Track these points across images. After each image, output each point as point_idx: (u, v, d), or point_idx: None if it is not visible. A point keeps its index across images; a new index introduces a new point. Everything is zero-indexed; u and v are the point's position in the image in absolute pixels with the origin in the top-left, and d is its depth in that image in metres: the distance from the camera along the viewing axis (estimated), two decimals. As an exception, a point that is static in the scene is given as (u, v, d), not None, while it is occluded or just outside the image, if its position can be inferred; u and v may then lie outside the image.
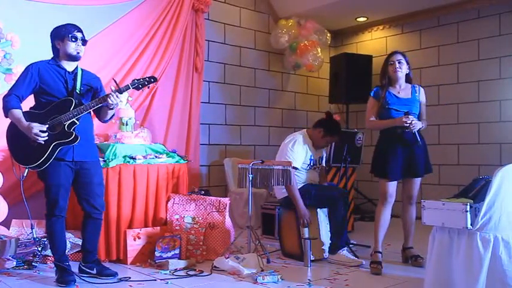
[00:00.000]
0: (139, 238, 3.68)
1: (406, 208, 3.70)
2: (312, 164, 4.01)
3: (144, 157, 3.85)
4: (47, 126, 2.96)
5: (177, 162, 4.07)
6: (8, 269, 3.31)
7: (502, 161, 5.43)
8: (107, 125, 3.98)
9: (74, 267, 3.31)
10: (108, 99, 3.03)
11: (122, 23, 4.67)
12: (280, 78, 6.61)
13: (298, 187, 3.88)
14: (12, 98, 3.00)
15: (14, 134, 3.02)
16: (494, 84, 5.68)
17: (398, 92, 3.59)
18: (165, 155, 4.02)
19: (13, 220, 3.83)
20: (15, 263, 3.36)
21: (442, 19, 6.12)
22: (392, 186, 3.54)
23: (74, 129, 3.02)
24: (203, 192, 4.27)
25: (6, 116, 3.04)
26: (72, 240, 3.58)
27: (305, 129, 4.14)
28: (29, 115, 3.01)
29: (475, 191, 2.74)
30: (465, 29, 5.93)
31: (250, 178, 3.77)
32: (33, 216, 3.96)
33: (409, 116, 3.42)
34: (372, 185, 5.55)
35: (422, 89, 3.70)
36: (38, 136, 2.92)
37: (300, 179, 3.95)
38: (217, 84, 5.88)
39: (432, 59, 6.22)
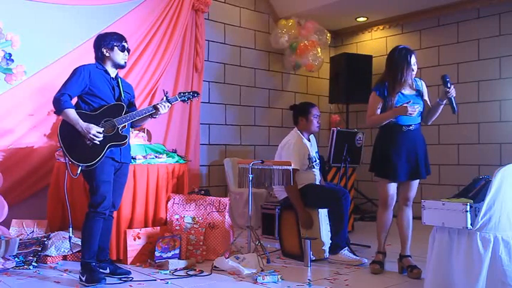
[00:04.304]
0: (139, 238, 3.68)
1: (403, 210, 3.48)
2: (311, 162, 4.01)
3: (144, 157, 3.85)
4: (103, 128, 3.04)
5: (177, 162, 4.07)
6: (8, 269, 3.31)
7: (502, 161, 5.44)
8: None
9: (75, 267, 3.32)
10: (160, 108, 3.19)
11: (121, 23, 4.67)
12: (280, 78, 6.61)
13: (299, 188, 3.88)
14: (66, 97, 3.01)
15: (68, 133, 3.02)
16: (494, 84, 5.68)
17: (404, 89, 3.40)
18: (165, 155, 4.02)
19: (13, 220, 3.84)
20: (15, 263, 3.36)
21: (442, 19, 6.12)
22: (393, 188, 3.43)
23: (123, 132, 3.13)
24: (203, 192, 4.27)
25: (59, 115, 3.06)
26: (73, 240, 3.57)
27: (295, 128, 4.14)
28: (81, 116, 3.04)
29: (475, 191, 2.74)
30: (465, 29, 5.93)
31: (250, 178, 3.77)
32: (34, 216, 3.98)
33: (415, 107, 3.21)
34: (372, 185, 5.55)
35: (424, 83, 3.48)
36: (96, 137, 2.99)
37: (304, 179, 3.94)
38: (217, 84, 5.88)
39: (432, 59, 6.22)
